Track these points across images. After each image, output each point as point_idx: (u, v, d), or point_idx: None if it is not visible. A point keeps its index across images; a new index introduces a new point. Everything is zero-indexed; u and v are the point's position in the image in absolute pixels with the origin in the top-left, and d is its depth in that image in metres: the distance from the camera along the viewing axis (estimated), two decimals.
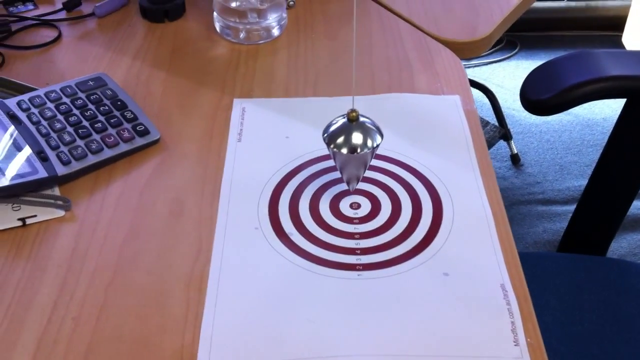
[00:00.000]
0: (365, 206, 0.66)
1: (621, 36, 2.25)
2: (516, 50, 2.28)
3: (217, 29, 0.89)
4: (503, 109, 1.98)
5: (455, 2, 0.96)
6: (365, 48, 0.87)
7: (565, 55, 0.86)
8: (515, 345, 0.54)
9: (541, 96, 0.82)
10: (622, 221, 0.90)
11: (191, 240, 0.63)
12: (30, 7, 0.94)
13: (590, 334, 0.81)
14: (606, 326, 0.82)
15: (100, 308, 0.58)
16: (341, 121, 0.62)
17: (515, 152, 1.89)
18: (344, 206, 0.66)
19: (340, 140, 0.61)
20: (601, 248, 0.92)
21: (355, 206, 0.66)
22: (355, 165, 0.63)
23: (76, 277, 0.60)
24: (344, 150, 0.61)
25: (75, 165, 0.68)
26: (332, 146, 0.62)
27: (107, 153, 0.70)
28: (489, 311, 0.56)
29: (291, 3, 0.93)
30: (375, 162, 0.70)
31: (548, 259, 0.89)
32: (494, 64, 2.24)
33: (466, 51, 0.89)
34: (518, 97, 2.10)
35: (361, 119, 0.62)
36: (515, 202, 1.78)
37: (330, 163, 0.70)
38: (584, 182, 1.80)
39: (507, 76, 2.19)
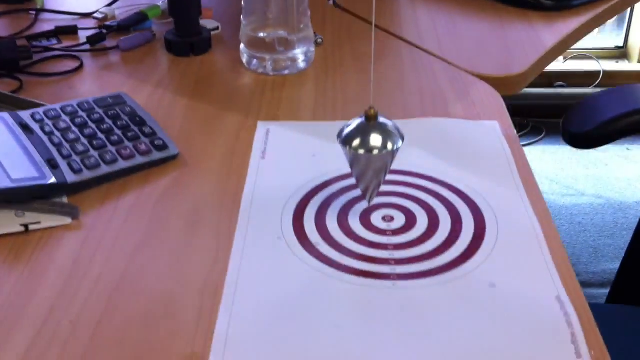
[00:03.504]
0: (399, 219, 0.60)
1: None
2: (542, 136, 2.25)
3: (244, 61, 0.86)
4: None
5: (488, 43, 0.94)
6: (396, 80, 0.84)
7: (606, 90, 0.82)
8: (578, 357, 0.46)
9: (583, 129, 0.77)
10: None
11: (207, 250, 0.58)
12: (54, 42, 0.93)
13: None
14: None
15: (102, 312, 0.52)
16: (358, 121, 0.57)
17: None
18: (376, 219, 0.60)
19: (357, 141, 0.56)
20: None
21: (388, 219, 0.60)
22: (373, 170, 0.57)
23: (78, 282, 0.54)
24: (361, 152, 0.56)
25: (87, 174, 0.64)
26: (347, 147, 0.56)
27: (122, 164, 0.66)
28: (544, 323, 0.49)
29: (319, 40, 0.91)
30: (406, 178, 0.65)
31: (599, 310, 0.81)
32: None
33: (502, 87, 0.85)
34: (545, 180, 2.06)
35: (380, 119, 0.56)
36: None
37: None
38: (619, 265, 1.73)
39: (534, 160, 2.15)
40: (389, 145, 0.56)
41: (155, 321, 0.51)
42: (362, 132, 0.56)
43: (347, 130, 0.56)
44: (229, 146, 0.71)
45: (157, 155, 0.67)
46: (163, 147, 0.68)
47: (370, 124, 0.56)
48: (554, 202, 1.98)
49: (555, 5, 1.02)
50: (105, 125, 0.70)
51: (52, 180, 0.62)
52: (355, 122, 0.57)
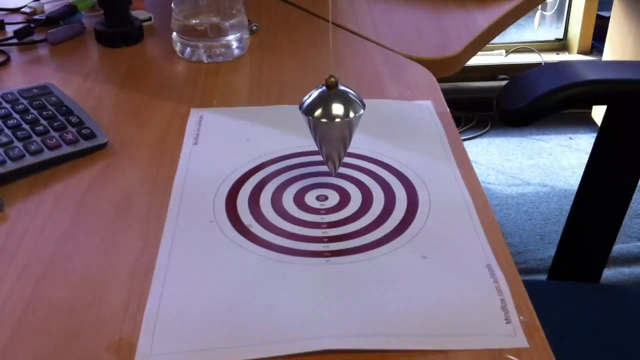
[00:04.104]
0: (333, 198, 0.60)
1: (590, 112, 2.26)
2: (487, 128, 2.27)
3: (177, 49, 0.85)
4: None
5: (424, 27, 0.94)
6: (334, 65, 0.83)
7: (540, 67, 0.83)
8: (507, 322, 0.46)
9: (516, 105, 0.78)
10: (614, 242, 0.83)
11: (137, 235, 0.56)
12: None
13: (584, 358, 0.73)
14: (603, 354, 0.75)
15: (28, 302, 0.50)
16: (319, 90, 0.56)
17: None
18: (310, 198, 0.60)
19: (319, 110, 0.55)
20: (594, 275, 0.85)
21: (322, 198, 0.60)
22: (336, 138, 0.57)
23: (2, 273, 0.52)
24: (324, 120, 0.55)
25: (11, 165, 0.62)
26: (309, 117, 0.56)
27: (48, 154, 0.64)
28: (474, 290, 0.49)
29: (254, 27, 0.90)
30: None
31: (540, 287, 0.82)
32: (466, 141, 2.23)
33: (438, 69, 0.85)
34: (492, 172, 2.08)
35: (340, 87, 0.56)
36: None
37: (296, 160, 0.64)
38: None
39: (480, 152, 2.18)
40: (351, 113, 0.55)
41: (82, 309, 0.49)
42: (324, 101, 0.56)
43: (308, 100, 0.56)
44: (161, 134, 0.70)
45: (84, 144, 0.66)
46: (91, 135, 0.66)
47: (332, 91, 0.56)
48: (500, 192, 2.00)
49: None
50: (30, 116, 0.67)
51: None
52: (316, 92, 0.56)
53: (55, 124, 0.67)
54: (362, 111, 0.56)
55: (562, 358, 0.47)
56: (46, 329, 0.48)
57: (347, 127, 0.56)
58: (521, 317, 0.47)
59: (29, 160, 0.63)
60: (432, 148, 0.66)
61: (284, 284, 0.50)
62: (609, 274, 1.69)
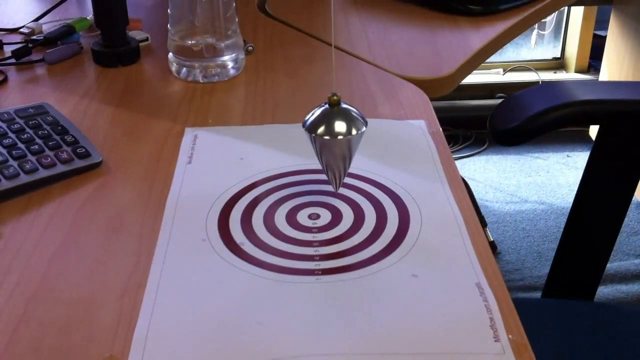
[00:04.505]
0: (325, 216, 0.60)
1: (588, 130, 2.27)
2: (485, 146, 2.28)
3: (173, 69, 0.86)
4: (477, 200, 1.95)
5: (418, 47, 0.95)
6: (326, 84, 0.84)
7: (530, 88, 0.84)
8: (496, 341, 0.47)
9: (509, 125, 0.78)
10: (608, 259, 0.84)
11: (129, 254, 0.56)
12: None
13: None
14: None
15: (19, 321, 0.50)
16: (322, 108, 0.57)
17: (492, 239, 1.84)
18: (302, 217, 0.60)
19: (322, 128, 0.56)
20: (588, 292, 0.86)
21: (314, 217, 0.60)
22: (339, 155, 0.57)
23: None
24: (327, 138, 0.56)
25: (5, 184, 0.62)
26: (313, 134, 0.56)
27: (42, 173, 0.64)
28: (464, 308, 0.49)
29: (250, 48, 0.91)
30: None
31: (534, 305, 0.82)
32: (464, 159, 2.24)
33: (431, 89, 0.86)
34: (490, 189, 2.09)
35: (343, 105, 0.57)
36: None
37: (288, 179, 0.65)
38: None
39: (478, 170, 2.18)
40: (353, 130, 0.56)
41: (73, 327, 0.49)
42: (327, 118, 0.57)
43: (312, 118, 0.57)
44: (155, 152, 0.70)
45: (79, 163, 0.66)
46: (85, 155, 0.67)
47: (334, 109, 0.56)
48: (498, 210, 2.01)
49: (483, 11, 1.04)
50: (25, 135, 0.68)
51: None
52: (319, 110, 0.57)
53: (50, 143, 0.67)
54: (364, 128, 0.57)
55: None
56: (36, 347, 0.48)
57: (350, 144, 0.57)
58: (510, 336, 0.47)
59: (24, 179, 0.63)
60: (424, 167, 0.66)
61: (276, 302, 0.51)
62: (606, 291, 1.69)
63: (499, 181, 2.13)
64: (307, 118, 0.58)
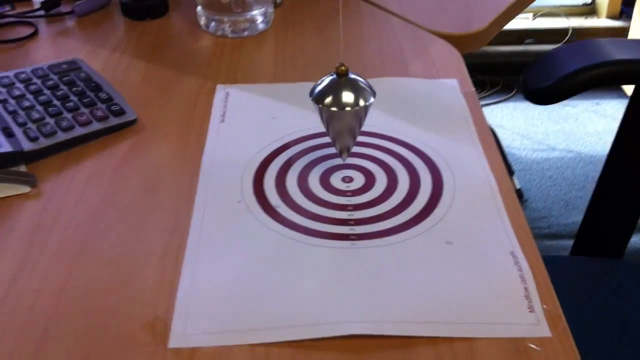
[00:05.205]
0: (359, 180, 0.61)
1: None
2: (513, 93, 2.25)
3: (201, 23, 0.85)
4: (503, 148, 1.94)
5: (449, 1, 0.93)
6: (355, 40, 0.83)
7: (565, 45, 0.83)
8: (531, 311, 0.48)
9: (542, 84, 0.78)
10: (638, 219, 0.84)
11: (168, 214, 0.57)
12: (7, 8, 0.90)
13: (606, 338, 0.74)
14: (620, 330, 0.76)
15: (65, 281, 0.51)
16: (329, 78, 0.57)
17: (519, 187, 1.84)
18: (336, 180, 0.61)
19: (330, 98, 0.56)
20: (617, 250, 0.86)
21: (347, 180, 0.61)
22: (346, 126, 0.57)
23: (40, 251, 0.54)
24: (334, 109, 0.56)
25: (44, 142, 0.63)
26: (320, 105, 0.56)
27: (79, 131, 0.65)
28: (498, 278, 0.50)
29: (278, 1, 0.90)
30: (366, 139, 0.65)
31: (562, 262, 0.83)
32: (492, 105, 2.21)
33: (462, 45, 0.85)
34: (517, 137, 2.07)
35: (351, 75, 0.57)
36: None
37: (321, 140, 0.65)
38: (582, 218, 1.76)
39: (505, 117, 2.16)
40: (361, 102, 0.56)
41: (118, 288, 0.51)
42: (334, 89, 0.56)
43: (318, 88, 0.57)
44: (188, 110, 0.70)
45: (114, 120, 0.67)
46: (120, 112, 0.67)
47: (342, 80, 0.56)
48: (525, 158, 2.00)
49: None
50: (60, 92, 0.69)
51: (8, 148, 0.61)
52: (326, 80, 0.57)
53: (85, 100, 0.68)
54: (372, 99, 0.57)
55: (581, 340, 0.47)
56: (83, 308, 0.49)
57: (357, 115, 0.57)
58: (544, 306, 0.48)
59: (61, 136, 0.64)
60: (457, 129, 0.66)
61: (309, 266, 0.52)
62: (636, 240, 1.69)
63: (526, 128, 2.11)
64: (314, 87, 0.57)
